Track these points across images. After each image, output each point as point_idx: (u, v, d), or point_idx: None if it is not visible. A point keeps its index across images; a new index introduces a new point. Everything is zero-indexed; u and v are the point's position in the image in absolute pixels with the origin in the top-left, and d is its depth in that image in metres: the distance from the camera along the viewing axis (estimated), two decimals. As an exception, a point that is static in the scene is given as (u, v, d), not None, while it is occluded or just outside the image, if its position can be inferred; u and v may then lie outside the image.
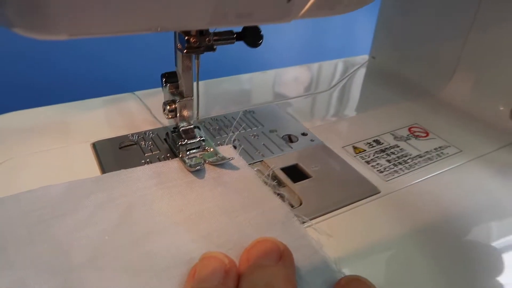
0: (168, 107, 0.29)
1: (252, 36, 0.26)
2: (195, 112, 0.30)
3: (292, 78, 0.46)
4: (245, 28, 0.26)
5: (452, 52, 0.43)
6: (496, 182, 0.31)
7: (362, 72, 0.50)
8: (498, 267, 0.24)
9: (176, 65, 0.29)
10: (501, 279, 0.23)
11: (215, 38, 0.25)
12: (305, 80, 0.46)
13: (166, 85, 0.30)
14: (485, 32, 0.41)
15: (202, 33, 0.25)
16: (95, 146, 0.30)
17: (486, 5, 0.39)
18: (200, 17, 0.17)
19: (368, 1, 0.24)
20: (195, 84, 0.29)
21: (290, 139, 0.33)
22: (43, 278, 0.19)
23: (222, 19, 0.18)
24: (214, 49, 0.26)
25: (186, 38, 0.24)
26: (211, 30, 0.25)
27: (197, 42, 0.24)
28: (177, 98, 0.29)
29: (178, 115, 0.29)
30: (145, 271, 0.20)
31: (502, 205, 0.29)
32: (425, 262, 0.24)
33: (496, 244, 0.26)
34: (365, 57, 0.54)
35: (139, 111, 0.36)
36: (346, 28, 0.87)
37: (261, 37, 0.26)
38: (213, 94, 0.40)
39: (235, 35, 0.26)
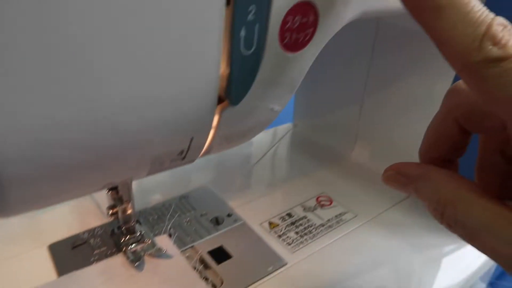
0: (110, 211, 0.36)
1: None
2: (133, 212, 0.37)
3: (225, 156, 0.54)
4: None
5: (353, 119, 0.52)
6: (385, 241, 0.39)
7: (285, 141, 0.59)
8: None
9: (114, 178, 0.36)
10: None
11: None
12: (234, 157, 0.54)
13: (108, 192, 0.36)
14: (376, 99, 0.49)
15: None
16: (51, 248, 0.36)
17: (375, 72, 0.48)
18: (123, 176, 0.24)
19: (261, 129, 0.31)
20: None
21: (217, 221, 0.40)
22: None
23: (159, 167, 0.24)
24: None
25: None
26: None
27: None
28: (118, 203, 0.36)
29: (119, 216, 0.36)
30: None
31: (392, 262, 0.37)
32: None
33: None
34: (290, 125, 0.63)
35: (89, 207, 0.42)
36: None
37: None
38: (151, 184, 0.47)
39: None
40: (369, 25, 0.46)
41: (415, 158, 0.25)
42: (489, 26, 0.16)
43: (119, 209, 0.36)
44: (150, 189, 0.45)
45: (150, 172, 0.24)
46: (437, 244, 0.40)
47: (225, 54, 0.20)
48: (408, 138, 0.46)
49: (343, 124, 0.54)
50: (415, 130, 0.45)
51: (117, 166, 0.22)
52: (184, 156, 0.24)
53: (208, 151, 0.27)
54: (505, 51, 0.15)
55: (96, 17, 0.15)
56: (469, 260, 0.39)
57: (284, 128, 0.62)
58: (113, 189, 0.37)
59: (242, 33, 0.20)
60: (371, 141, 0.52)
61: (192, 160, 0.26)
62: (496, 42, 0.16)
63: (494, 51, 0.15)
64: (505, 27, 0.16)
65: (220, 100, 0.22)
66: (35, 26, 0.14)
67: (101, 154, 0.20)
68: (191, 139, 0.23)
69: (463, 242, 0.20)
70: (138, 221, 0.38)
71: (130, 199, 0.36)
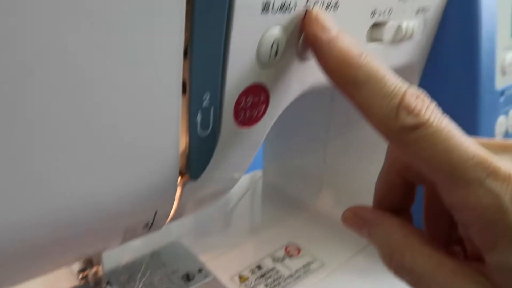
0: (81, 274, 0.36)
1: None
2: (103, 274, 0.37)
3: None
4: None
5: (317, 166, 0.55)
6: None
7: (257, 187, 0.60)
8: None
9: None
10: None
11: None
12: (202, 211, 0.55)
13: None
14: (339, 146, 0.52)
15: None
16: (20, 316, 0.36)
17: (335, 119, 0.50)
18: (114, 242, 0.25)
19: (225, 193, 0.33)
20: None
21: (188, 277, 0.41)
22: None
23: (133, 234, 0.26)
24: None
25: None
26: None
27: None
28: (88, 266, 0.36)
29: (89, 279, 0.36)
30: None
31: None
32: None
33: None
34: (259, 172, 0.65)
35: (61, 271, 0.42)
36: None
37: None
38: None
39: None
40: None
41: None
42: (403, 97, 0.18)
43: (89, 272, 0.36)
44: (121, 247, 0.46)
45: (122, 242, 0.26)
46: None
47: (184, 136, 0.22)
48: (371, 183, 0.49)
49: (309, 171, 0.56)
50: (376, 175, 0.48)
51: (89, 241, 0.23)
52: (150, 227, 0.25)
53: (173, 219, 0.28)
54: (419, 119, 0.17)
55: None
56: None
57: (254, 174, 0.64)
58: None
59: (198, 117, 0.22)
60: (335, 188, 0.54)
61: (159, 228, 0.27)
62: (410, 111, 0.17)
63: (409, 119, 0.17)
64: (417, 96, 0.18)
65: (181, 173, 0.24)
66: None
67: (72, 232, 0.21)
68: (155, 212, 0.24)
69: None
70: (108, 282, 0.38)
71: (99, 262, 0.36)
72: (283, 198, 0.57)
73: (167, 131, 0.21)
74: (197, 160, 0.23)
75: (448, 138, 0.17)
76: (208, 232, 0.50)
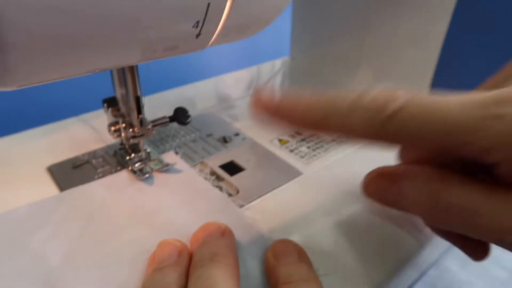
0: (112, 128, 0.33)
1: (181, 117, 0.34)
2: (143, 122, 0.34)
3: (227, 84, 0.52)
4: (175, 111, 0.34)
5: (355, 49, 0.51)
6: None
7: (282, 74, 0.56)
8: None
9: (115, 91, 0.33)
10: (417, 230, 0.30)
11: (153, 125, 0.33)
12: (232, 87, 0.52)
13: (108, 109, 0.34)
14: (379, 29, 0.48)
15: (142, 124, 0.32)
16: (50, 169, 0.34)
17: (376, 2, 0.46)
18: (133, 57, 0.22)
19: (270, 20, 0.29)
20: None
21: (224, 140, 0.39)
22: (28, 282, 0.23)
23: (151, 55, 0.22)
24: (153, 134, 0.33)
25: (131, 129, 0.32)
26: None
27: (140, 132, 0.32)
28: (120, 120, 0.33)
29: (122, 134, 0.34)
30: (113, 264, 0.24)
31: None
32: (343, 223, 0.30)
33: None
34: (286, 59, 0.60)
35: (85, 133, 0.39)
36: (264, 31, 0.93)
37: (188, 116, 0.34)
38: (152, 107, 0.44)
39: (168, 119, 0.34)
40: None
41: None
42: (362, 96, 0.18)
43: (121, 126, 0.33)
44: (148, 115, 0.43)
45: (151, 54, 0.22)
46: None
47: None
48: (409, 69, 0.45)
49: (344, 55, 0.52)
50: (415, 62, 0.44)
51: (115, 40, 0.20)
52: (200, 28, 0.22)
53: (219, 37, 0.24)
54: (392, 101, 0.17)
55: None
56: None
57: (282, 60, 0.60)
58: (113, 105, 0.34)
59: None
60: (372, 73, 0.50)
61: (203, 45, 0.23)
62: (379, 101, 0.18)
63: (384, 106, 0.17)
64: (378, 90, 0.18)
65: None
66: None
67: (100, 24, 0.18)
68: (208, 5, 0.21)
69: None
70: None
71: (137, 109, 0.33)
72: (314, 81, 0.53)
73: None
74: None
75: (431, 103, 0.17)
76: (238, 108, 0.47)
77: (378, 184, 0.23)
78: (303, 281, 0.22)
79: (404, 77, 0.47)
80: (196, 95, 0.50)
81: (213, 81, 0.53)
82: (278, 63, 0.59)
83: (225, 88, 0.51)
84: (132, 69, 0.29)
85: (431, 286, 0.34)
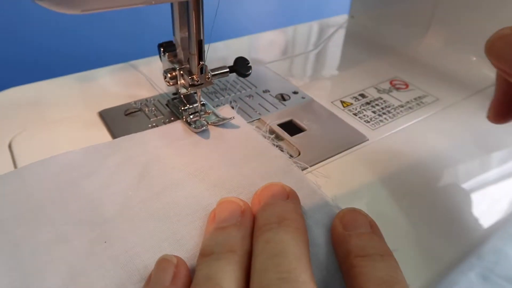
0: (169, 75, 0.31)
1: (242, 67, 0.31)
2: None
3: (279, 40, 0.48)
4: (235, 61, 0.31)
5: (426, 9, 0.46)
6: (468, 125, 0.35)
7: (342, 32, 0.52)
8: (479, 201, 0.28)
9: (174, 34, 0.31)
10: (484, 215, 0.27)
11: (213, 74, 0.30)
12: (289, 42, 0.48)
13: (164, 55, 0.31)
14: None
15: (202, 72, 0.29)
16: (102, 114, 0.32)
17: None
18: None
19: None
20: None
21: (282, 97, 0.36)
22: (82, 231, 0.22)
23: None
24: (212, 83, 0.30)
25: (190, 77, 0.29)
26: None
27: (199, 80, 0.29)
28: (176, 66, 0.31)
29: (178, 82, 0.31)
30: (169, 218, 0.23)
31: (476, 144, 0.33)
32: (410, 196, 0.27)
33: (475, 178, 0.30)
34: (345, 16, 0.56)
35: (137, 80, 0.38)
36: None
37: (249, 67, 0.32)
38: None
39: (228, 69, 0.31)
40: None
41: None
42: None
43: (178, 73, 0.31)
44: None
45: None
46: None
47: None
48: (486, 22, 0.40)
49: (412, 14, 0.47)
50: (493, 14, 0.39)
51: None
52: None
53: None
54: None
55: None
56: None
57: (341, 18, 0.55)
58: (170, 50, 0.32)
59: None
60: (444, 33, 0.45)
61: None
62: None
63: None
64: None
65: None
66: None
67: None
68: None
69: None
70: (196, 92, 0.33)
71: (198, 55, 0.30)
72: (377, 40, 0.49)
73: None
74: None
75: None
76: (295, 65, 0.43)
77: (506, 41, 0.20)
78: (379, 255, 0.19)
79: (480, 42, 0.42)
80: (252, 48, 0.47)
81: (271, 34, 0.50)
82: (338, 19, 0.55)
83: (271, 46, 0.47)
84: (198, 9, 0.26)
85: (489, 271, 0.32)
